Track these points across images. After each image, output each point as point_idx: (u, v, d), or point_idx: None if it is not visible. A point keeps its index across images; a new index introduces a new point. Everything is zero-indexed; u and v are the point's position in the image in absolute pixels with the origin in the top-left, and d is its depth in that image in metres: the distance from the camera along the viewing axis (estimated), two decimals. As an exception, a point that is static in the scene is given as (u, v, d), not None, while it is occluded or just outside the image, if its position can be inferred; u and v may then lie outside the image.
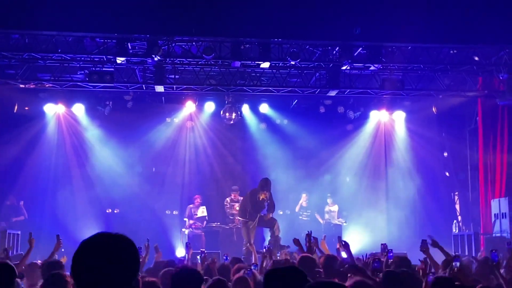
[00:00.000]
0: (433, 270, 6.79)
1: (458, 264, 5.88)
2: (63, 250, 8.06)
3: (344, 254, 8.35)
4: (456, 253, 9.62)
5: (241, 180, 16.88)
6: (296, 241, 8.47)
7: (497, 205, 14.34)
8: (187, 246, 9.43)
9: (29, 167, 16.20)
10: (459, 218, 17.18)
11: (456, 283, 5.09)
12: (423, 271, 6.27)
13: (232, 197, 16.05)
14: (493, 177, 15.43)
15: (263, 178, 14.01)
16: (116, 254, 2.31)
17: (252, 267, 6.86)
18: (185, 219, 15.98)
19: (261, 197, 13.29)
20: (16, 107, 16.00)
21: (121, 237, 2.39)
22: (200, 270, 6.51)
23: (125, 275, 2.31)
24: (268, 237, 13.79)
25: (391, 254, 7.40)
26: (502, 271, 7.32)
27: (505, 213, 13.87)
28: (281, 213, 16.64)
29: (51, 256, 7.99)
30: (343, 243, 8.02)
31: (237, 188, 16.10)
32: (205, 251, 8.68)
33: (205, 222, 15.83)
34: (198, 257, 8.66)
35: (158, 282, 5.34)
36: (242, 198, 14.81)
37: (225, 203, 16.22)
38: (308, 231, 8.48)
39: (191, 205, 16.07)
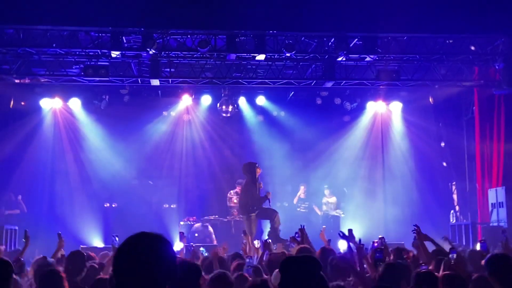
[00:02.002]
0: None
1: (454, 256, 5.89)
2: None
3: (342, 246, 8.33)
4: (452, 244, 9.62)
5: (238, 172, 16.79)
6: (293, 239, 8.52)
7: (494, 195, 14.35)
8: (181, 236, 9.45)
9: (26, 162, 16.16)
10: (457, 208, 17.20)
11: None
12: (414, 262, 6.30)
13: (237, 189, 15.87)
14: (490, 166, 15.45)
15: (244, 164, 13.79)
16: (157, 255, 2.38)
17: (247, 260, 6.85)
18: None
19: (258, 172, 13.16)
20: (12, 102, 15.95)
21: (161, 238, 2.45)
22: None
23: (164, 276, 2.38)
24: (267, 229, 13.71)
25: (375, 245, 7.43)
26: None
27: (502, 202, 13.89)
28: (279, 205, 16.63)
29: (55, 255, 7.99)
30: (341, 234, 8.00)
31: (242, 181, 15.95)
32: (193, 245, 8.67)
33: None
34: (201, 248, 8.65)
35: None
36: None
37: (228, 195, 16.10)
38: (301, 226, 8.51)
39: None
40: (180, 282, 4.44)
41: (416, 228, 7.44)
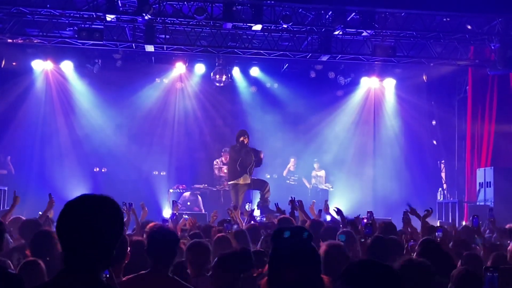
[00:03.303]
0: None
1: (440, 234, 5.97)
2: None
3: (328, 217, 8.48)
4: (440, 223, 9.76)
5: (229, 142, 16.75)
6: (280, 210, 8.64)
7: (482, 174, 14.48)
8: (174, 204, 9.51)
9: (16, 123, 16.07)
10: (444, 186, 17.37)
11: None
12: (407, 238, 6.38)
13: (223, 159, 15.94)
14: (479, 146, 15.56)
15: None
16: (99, 215, 2.33)
17: (224, 225, 7.01)
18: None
19: (240, 139, 13.13)
20: (3, 62, 15.76)
21: (104, 199, 2.40)
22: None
23: (109, 236, 2.35)
24: (256, 200, 13.77)
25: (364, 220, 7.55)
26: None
27: (489, 182, 14.03)
28: (269, 176, 16.68)
29: (44, 215, 8.00)
30: (336, 209, 8.11)
31: (228, 150, 15.95)
32: (177, 213, 8.82)
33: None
34: (185, 216, 8.76)
35: (144, 241, 5.37)
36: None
37: (215, 164, 16.14)
38: (292, 197, 8.63)
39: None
40: (158, 249, 4.49)
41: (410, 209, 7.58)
